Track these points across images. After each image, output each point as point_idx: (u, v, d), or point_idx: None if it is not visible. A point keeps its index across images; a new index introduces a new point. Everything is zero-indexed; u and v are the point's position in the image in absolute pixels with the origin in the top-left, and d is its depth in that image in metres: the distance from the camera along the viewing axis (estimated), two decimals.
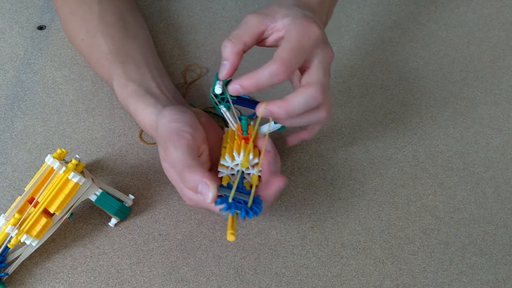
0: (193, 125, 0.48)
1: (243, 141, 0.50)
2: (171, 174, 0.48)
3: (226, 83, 0.50)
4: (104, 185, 0.53)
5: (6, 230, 0.48)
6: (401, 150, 0.61)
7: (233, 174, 0.49)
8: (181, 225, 0.54)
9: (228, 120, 0.51)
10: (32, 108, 0.63)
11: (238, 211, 0.44)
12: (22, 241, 0.49)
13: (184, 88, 0.66)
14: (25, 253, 0.50)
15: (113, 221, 0.54)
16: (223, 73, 0.48)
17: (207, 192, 0.44)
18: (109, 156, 0.59)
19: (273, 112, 0.48)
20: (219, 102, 0.51)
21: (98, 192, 0.51)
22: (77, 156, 0.51)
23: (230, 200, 0.44)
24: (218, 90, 0.49)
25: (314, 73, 0.48)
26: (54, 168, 0.49)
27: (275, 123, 0.52)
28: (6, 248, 0.49)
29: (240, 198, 0.44)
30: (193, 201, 0.48)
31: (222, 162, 0.48)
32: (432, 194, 0.58)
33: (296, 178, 0.58)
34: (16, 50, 0.69)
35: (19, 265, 0.51)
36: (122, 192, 0.55)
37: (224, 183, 0.48)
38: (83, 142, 0.60)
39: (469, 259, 0.53)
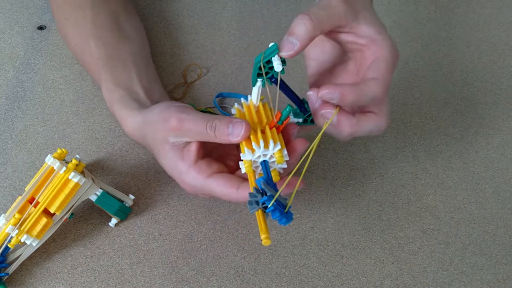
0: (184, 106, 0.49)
1: (274, 129, 0.46)
2: (173, 156, 0.47)
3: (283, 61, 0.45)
4: (104, 185, 0.53)
5: (7, 230, 0.48)
6: (401, 150, 0.61)
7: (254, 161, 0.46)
8: (181, 225, 0.54)
9: (256, 96, 0.48)
10: (32, 108, 0.63)
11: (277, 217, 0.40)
12: (22, 241, 0.49)
13: (184, 88, 0.66)
14: (25, 253, 0.50)
15: (114, 221, 0.54)
16: (289, 52, 0.43)
17: (240, 125, 0.43)
18: (109, 156, 0.59)
19: (338, 123, 0.45)
20: (260, 74, 0.46)
21: (99, 192, 0.51)
22: (77, 156, 0.51)
23: (270, 204, 0.40)
24: (278, 67, 0.43)
25: (385, 103, 0.46)
26: (55, 168, 0.49)
27: (294, 116, 0.49)
28: (7, 248, 0.49)
29: (279, 201, 0.41)
30: (193, 188, 0.47)
31: (254, 146, 0.44)
32: (432, 194, 0.58)
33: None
34: (16, 50, 0.69)
35: (20, 265, 0.51)
36: (122, 192, 0.55)
37: (248, 169, 0.44)
38: (83, 142, 0.60)
39: (469, 259, 0.53)
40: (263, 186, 0.41)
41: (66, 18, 0.63)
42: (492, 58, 0.72)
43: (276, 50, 0.44)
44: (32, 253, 0.51)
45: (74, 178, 0.48)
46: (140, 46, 0.63)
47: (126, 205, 0.54)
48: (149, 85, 0.58)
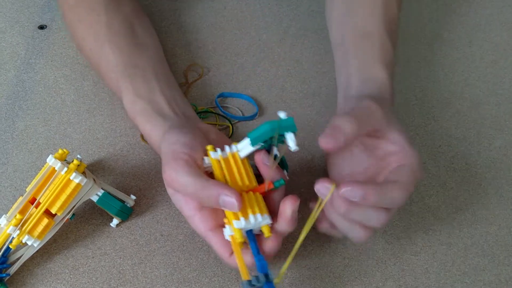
0: (191, 146, 0.47)
1: (260, 196, 0.46)
2: (177, 200, 0.48)
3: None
4: (105, 186, 0.53)
5: (8, 231, 0.48)
6: None
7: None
8: (183, 225, 0.54)
9: (246, 154, 0.47)
10: (33, 108, 0.63)
11: None
12: (23, 241, 0.48)
13: (186, 87, 0.66)
14: (26, 254, 0.50)
15: (115, 221, 0.53)
16: (333, 146, 0.43)
17: (231, 202, 0.43)
18: (111, 156, 0.59)
19: (333, 199, 0.43)
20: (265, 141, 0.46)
21: (100, 192, 0.51)
22: (78, 156, 0.51)
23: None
24: (294, 147, 0.44)
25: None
26: (56, 168, 0.49)
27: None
28: (8, 248, 0.49)
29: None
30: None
31: (236, 225, 0.44)
32: (435, 195, 0.58)
33: (298, 178, 0.58)
34: (17, 49, 0.69)
35: (21, 266, 0.51)
36: (123, 192, 0.55)
37: (240, 238, 0.43)
38: (84, 142, 0.60)
39: (471, 260, 0.53)
40: (268, 272, 0.42)
41: (80, 21, 0.61)
42: (494, 58, 0.72)
43: (293, 126, 0.44)
44: (34, 254, 0.51)
45: (76, 179, 0.48)
46: (156, 52, 0.62)
47: (128, 205, 0.54)
48: (170, 93, 0.56)
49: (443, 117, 0.65)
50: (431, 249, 0.54)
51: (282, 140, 0.45)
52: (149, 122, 0.53)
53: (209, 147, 0.47)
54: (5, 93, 0.64)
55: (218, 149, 0.47)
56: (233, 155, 0.47)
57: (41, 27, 0.72)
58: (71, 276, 0.51)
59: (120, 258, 0.52)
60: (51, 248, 0.52)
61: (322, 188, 0.44)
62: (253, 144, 0.46)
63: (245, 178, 0.46)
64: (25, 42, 0.70)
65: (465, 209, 0.57)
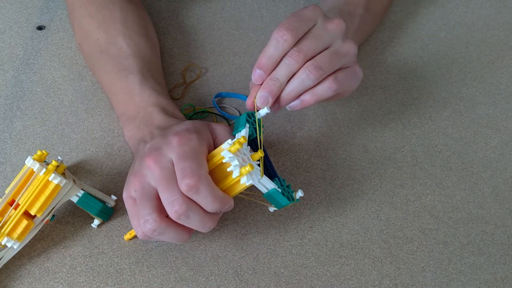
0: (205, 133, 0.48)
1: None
2: (130, 201, 0.46)
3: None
4: (86, 186, 0.52)
5: None
6: (400, 150, 0.61)
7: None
8: None
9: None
10: (31, 108, 0.63)
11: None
12: (3, 244, 0.48)
13: (183, 88, 0.66)
14: (6, 256, 0.49)
15: (96, 222, 0.53)
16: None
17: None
18: (108, 156, 0.59)
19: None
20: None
21: (80, 193, 0.51)
22: (59, 158, 0.51)
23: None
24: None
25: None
26: (34, 170, 0.48)
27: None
28: None
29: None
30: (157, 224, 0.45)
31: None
32: (431, 194, 0.58)
33: (295, 178, 0.59)
34: (15, 50, 0.69)
35: (19, 266, 0.51)
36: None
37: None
38: (82, 142, 0.60)
39: (467, 258, 0.53)
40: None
41: (91, 16, 0.62)
42: (491, 58, 0.72)
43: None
44: (31, 253, 0.51)
45: (55, 180, 0.48)
46: (159, 57, 0.65)
47: (108, 205, 0.54)
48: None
49: (440, 117, 0.65)
50: (428, 248, 0.54)
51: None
52: (167, 114, 0.53)
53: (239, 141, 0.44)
54: (3, 93, 0.65)
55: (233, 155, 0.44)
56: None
57: (40, 28, 0.72)
58: (68, 275, 0.51)
59: (118, 257, 0.52)
60: (49, 247, 0.52)
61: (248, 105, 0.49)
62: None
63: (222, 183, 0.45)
64: (23, 42, 0.70)
65: (461, 208, 0.57)
